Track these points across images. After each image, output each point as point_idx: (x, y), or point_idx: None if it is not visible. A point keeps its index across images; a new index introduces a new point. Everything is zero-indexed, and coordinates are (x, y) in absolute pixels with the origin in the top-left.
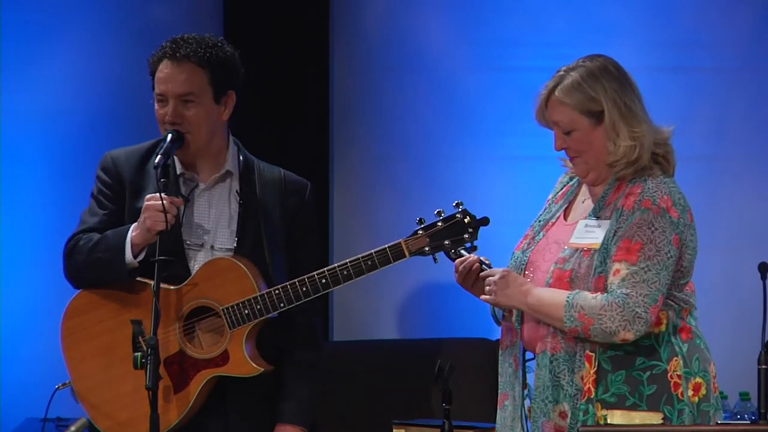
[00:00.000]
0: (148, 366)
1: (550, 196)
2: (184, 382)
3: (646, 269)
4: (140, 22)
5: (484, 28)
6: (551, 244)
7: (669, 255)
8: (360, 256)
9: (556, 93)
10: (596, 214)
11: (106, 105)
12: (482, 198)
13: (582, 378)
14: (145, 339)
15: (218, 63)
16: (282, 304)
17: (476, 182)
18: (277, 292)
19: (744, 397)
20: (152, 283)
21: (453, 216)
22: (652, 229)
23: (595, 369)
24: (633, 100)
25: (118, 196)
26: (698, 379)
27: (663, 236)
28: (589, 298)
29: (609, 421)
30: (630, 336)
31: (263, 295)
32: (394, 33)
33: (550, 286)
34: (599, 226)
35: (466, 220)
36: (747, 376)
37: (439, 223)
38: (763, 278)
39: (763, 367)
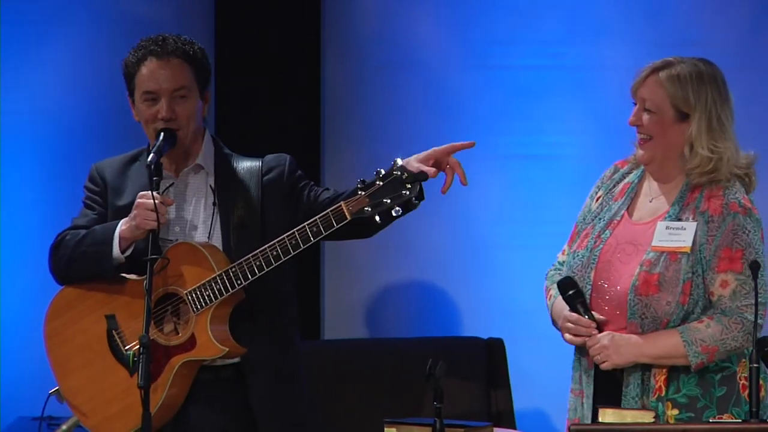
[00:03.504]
0: (141, 365)
1: (600, 192)
2: (157, 371)
3: (752, 276)
4: (133, 21)
5: (476, 26)
6: (624, 244)
7: (763, 253)
8: (306, 223)
9: (660, 74)
10: (676, 215)
11: (100, 104)
12: (474, 197)
13: (654, 375)
14: (139, 337)
15: (199, 59)
16: (239, 281)
17: (469, 181)
18: (233, 269)
19: None
20: (129, 277)
21: (390, 173)
22: (746, 232)
23: (667, 367)
24: (728, 116)
25: (105, 200)
26: (761, 382)
27: (756, 236)
28: (703, 329)
29: (600, 420)
30: (750, 345)
31: (221, 274)
32: (386, 32)
33: (636, 288)
34: (684, 228)
35: (404, 176)
36: None
37: (378, 182)
38: (755, 277)
39: (755, 365)
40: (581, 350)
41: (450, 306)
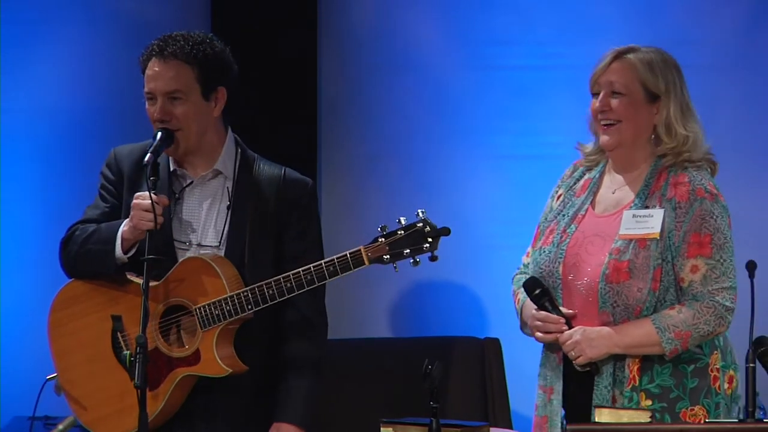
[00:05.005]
0: (138, 365)
1: (561, 191)
2: (158, 380)
3: (722, 261)
4: (129, 21)
5: (474, 26)
6: (591, 237)
7: (731, 238)
8: (323, 261)
9: (628, 56)
10: (642, 204)
11: (98, 103)
12: (472, 197)
13: (628, 365)
14: (135, 337)
15: (206, 59)
16: (249, 306)
17: (466, 181)
18: (245, 294)
19: None
20: (138, 280)
21: (413, 225)
22: (714, 217)
23: (640, 357)
24: (690, 103)
25: (119, 191)
26: (731, 372)
27: (723, 222)
28: (675, 315)
29: (597, 419)
30: (724, 329)
31: (232, 296)
32: (383, 31)
33: (606, 276)
34: (651, 216)
35: (426, 230)
36: None
37: (400, 232)
38: (751, 276)
39: (751, 365)
40: (549, 347)
41: (447, 306)
